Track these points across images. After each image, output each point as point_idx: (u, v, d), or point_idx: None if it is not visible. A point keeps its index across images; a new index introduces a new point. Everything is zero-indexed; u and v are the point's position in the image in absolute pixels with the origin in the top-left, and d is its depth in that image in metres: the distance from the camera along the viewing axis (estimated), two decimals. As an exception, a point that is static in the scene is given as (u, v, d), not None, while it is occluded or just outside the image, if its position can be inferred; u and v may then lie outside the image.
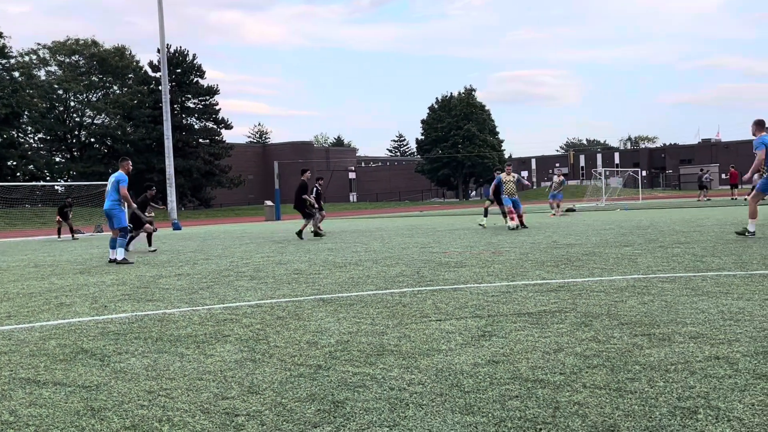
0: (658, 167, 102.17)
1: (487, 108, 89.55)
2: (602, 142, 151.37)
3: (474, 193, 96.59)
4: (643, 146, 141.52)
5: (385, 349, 4.64)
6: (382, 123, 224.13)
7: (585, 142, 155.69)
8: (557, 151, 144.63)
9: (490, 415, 3.23)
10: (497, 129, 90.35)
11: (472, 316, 5.70)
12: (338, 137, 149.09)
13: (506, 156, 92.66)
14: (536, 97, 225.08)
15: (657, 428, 2.99)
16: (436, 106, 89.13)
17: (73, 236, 25.77)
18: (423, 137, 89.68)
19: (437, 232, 18.74)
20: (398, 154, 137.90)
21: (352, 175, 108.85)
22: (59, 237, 25.54)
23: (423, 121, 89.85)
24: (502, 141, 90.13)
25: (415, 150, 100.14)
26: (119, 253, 12.91)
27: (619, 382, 3.67)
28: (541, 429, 3.03)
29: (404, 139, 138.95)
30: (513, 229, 17.96)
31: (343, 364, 4.30)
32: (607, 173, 66.67)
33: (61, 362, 4.69)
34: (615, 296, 6.41)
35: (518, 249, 11.88)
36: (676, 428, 2.97)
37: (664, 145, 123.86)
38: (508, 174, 19.26)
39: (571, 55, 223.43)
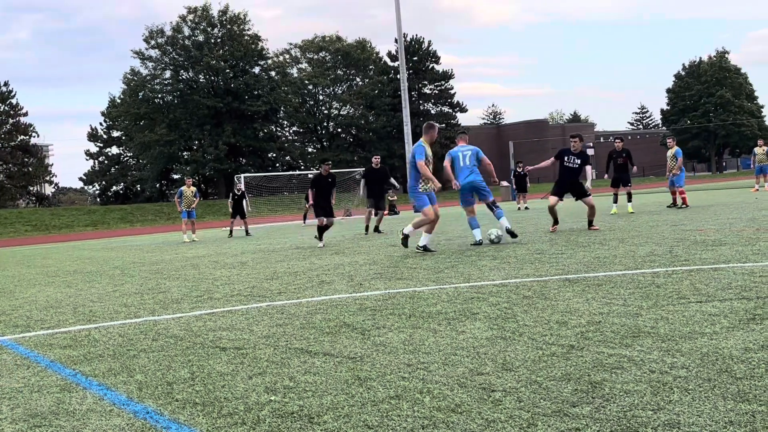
0: None
1: (743, 71, 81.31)
2: None
3: (725, 164, 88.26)
4: None
5: (641, 331, 4.45)
6: (621, 95, 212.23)
7: None
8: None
9: (768, 404, 2.97)
10: (756, 93, 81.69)
11: (737, 298, 5.25)
12: (574, 113, 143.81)
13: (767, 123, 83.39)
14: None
15: None
16: (683, 73, 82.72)
17: None
18: (668, 107, 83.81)
19: (688, 208, 17.43)
20: (640, 126, 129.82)
21: (590, 152, 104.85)
22: (304, 222, 28.33)
23: (668, 90, 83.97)
24: (761, 106, 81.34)
25: (659, 121, 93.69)
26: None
27: None
28: (832, 423, 2.72)
29: (647, 111, 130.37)
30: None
31: (597, 345, 4.20)
32: None
33: (328, 335, 5.13)
34: None
35: (788, 225, 10.68)
36: None
37: None
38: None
39: None
